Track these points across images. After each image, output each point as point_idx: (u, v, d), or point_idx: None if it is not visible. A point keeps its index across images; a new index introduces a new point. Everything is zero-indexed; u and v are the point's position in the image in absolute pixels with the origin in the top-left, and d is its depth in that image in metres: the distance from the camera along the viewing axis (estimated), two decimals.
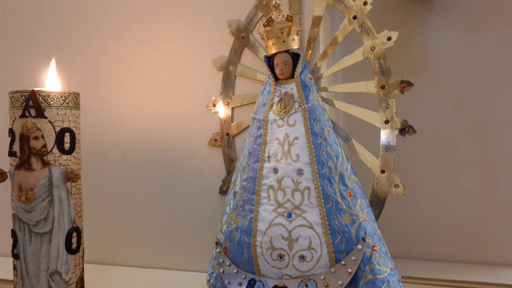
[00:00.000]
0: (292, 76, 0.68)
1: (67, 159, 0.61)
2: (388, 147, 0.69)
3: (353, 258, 0.60)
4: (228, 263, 0.67)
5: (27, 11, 0.97)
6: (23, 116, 0.59)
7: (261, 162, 0.66)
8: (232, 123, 0.82)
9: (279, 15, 0.67)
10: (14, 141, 0.60)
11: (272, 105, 0.68)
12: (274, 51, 0.68)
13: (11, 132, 0.61)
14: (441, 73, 0.87)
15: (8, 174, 0.62)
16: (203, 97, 0.84)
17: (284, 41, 0.67)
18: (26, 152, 0.59)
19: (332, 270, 0.60)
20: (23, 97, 0.59)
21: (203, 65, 0.84)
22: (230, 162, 0.82)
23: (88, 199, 0.75)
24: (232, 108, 0.82)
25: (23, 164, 0.59)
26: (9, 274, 0.68)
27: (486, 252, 0.84)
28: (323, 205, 0.61)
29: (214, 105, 0.83)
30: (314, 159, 0.63)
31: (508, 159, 0.83)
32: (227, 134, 0.82)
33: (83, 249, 0.65)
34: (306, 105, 0.65)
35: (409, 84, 0.68)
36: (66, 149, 0.61)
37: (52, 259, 0.60)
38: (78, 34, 0.93)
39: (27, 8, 0.97)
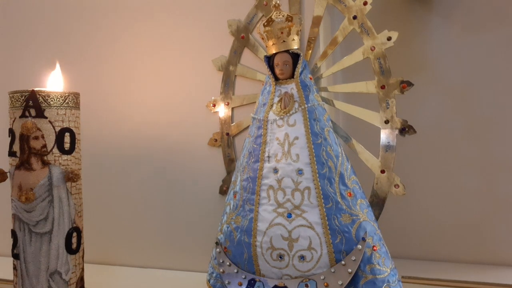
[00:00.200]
0: (292, 76, 0.68)
1: (67, 159, 0.61)
2: (388, 147, 0.69)
3: (353, 258, 0.60)
4: (228, 263, 0.67)
5: (27, 11, 0.97)
6: (23, 116, 0.59)
7: (261, 162, 0.66)
8: (232, 123, 0.82)
9: (279, 15, 0.67)
10: (14, 141, 0.60)
11: (272, 105, 0.68)
12: (274, 51, 0.68)
13: (11, 132, 0.61)
14: (441, 73, 0.87)
15: (8, 174, 0.62)
16: (203, 97, 0.84)
17: (284, 41, 0.67)
18: (26, 152, 0.59)
19: (332, 270, 0.60)
20: (23, 97, 0.59)
21: (203, 65, 0.84)
22: (230, 162, 0.82)
23: (88, 199, 0.75)
24: (232, 108, 0.82)
25: (23, 164, 0.59)
26: (9, 274, 0.68)
27: (486, 252, 0.84)
28: (323, 205, 0.61)
29: (214, 105, 0.83)
30: (314, 159, 0.63)
31: (508, 159, 0.83)
32: (227, 134, 0.82)
33: (83, 249, 0.65)
34: (306, 105, 0.65)
35: (409, 84, 0.68)
36: (66, 149, 0.61)
37: (52, 259, 0.60)
38: (78, 34, 0.93)
39: (27, 8, 0.97)
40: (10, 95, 0.61)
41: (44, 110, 0.59)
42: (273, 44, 0.68)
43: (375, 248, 0.61)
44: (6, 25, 0.98)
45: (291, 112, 0.66)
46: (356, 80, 0.72)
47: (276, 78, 0.69)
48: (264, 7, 0.79)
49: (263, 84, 0.72)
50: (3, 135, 0.71)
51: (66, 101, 0.61)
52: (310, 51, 0.75)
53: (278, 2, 0.67)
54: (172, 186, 0.87)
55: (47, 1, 0.95)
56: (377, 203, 0.70)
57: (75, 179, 0.61)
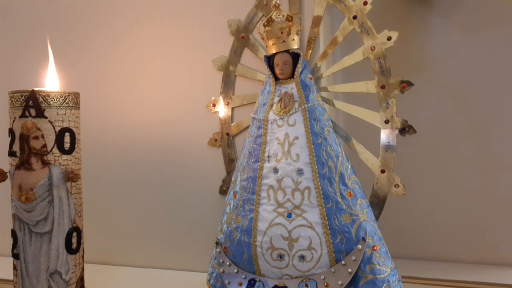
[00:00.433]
0: (292, 76, 0.68)
1: (67, 159, 0.61)
2: (388, 147, 0.69)
3: (353, 258, 0.60)
4: (228, 263, 0.67)
5: (28, 11, 0.97)
6: (23, 116, 0.59)
7: (261, 162, 0.66)
8: (232, 123, 0.82)
9: (279, 15, 0.67)
10: (14, 141, 0.60)
11: (272, 105, 0.68)
12: (274, 51, 0.68)
13: (11, 132, 0.61)
14: (441, 73, 0.87)
15: (8, 174, 0.62)
16: (203, 97, 0.84)
17: (284, 41, 0.67)
18: (26, 152, 0.59)
19: (332, 270, 0.60)
20: (23, 97, 0.59)
21: (203, 65, 0.84)
22: (230, 162, 0.82)
23: (88, 199, 0.75)
24: (232, 108, 0.82)
25: (23, 164, 0.59)
26: (9, 274, 0.68)
27: (486, 252, 0.84)
28: (323, 205, 0.61)
29: (214, 105, 0.83)
30: (314, 159, 0.63)
31: (508, 159, 0.83)
32: (227, 134, 0.82)
33: (83, 249, 0.65)
34: (306, 105, 0.65)
35: (409, 84, 0.68)
36: (66, 149, 0.61)
37: (52, 259, 0.60)
38: (78, 34, 0.93)
39: (27, 8, 0.97)
40: (10, 95, 0.61)
41: (44, 110, 0.59)
42: (273, 44, 0.68)
43: (375, 248, 0.61)
44: (6, 25, 0.98)
45: (291, 112, 0.66)
46: (356, 80, 0.72)
47: (276, 78, 0.69)
48: (264, 7, 0.79)
49: (263, 84, 0.72)
50: (3, 135, 0.71)
51: (66, 101, 0.61)
52: (310, 51, 0.75)
53: (278, 2, 0.67)
54: (172, 186, 0.87)
55: (47, 1, 0.95)
56: (377, 203, 0.70)
57: (75, 179, 0.61)
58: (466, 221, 0.85)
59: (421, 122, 0.74)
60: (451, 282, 0.75)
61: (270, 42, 0.68)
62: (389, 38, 0.69)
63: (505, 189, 0.83)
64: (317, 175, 0.62)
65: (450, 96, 0.86)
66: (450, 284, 0.75)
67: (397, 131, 0.69)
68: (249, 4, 0.80)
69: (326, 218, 0.61)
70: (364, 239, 0.60)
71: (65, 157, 0.61)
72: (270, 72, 0.69)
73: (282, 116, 0.66)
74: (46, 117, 0.59)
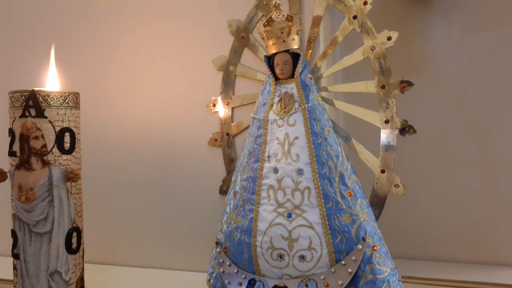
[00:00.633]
0: (292, 76, 0.68)
1: (67, 159, 0.61)
2: (388, 147, 0.69)
3: (353, 258, 0.60)
4: (228, 263, 0.67)
5: (28, 11, 0.97)
6: (23, 116, 0.59)
7: (261, 162, 0.66)
8: (232, 123, 0.82)
9: (279, 15, 0.67)
10: (14, 141, 0.60)
11: (272, 105, 0.68)
12: (274, 51, 0.68)
13: (11, 132, 0.61)
14: (441, 73, 0.87)
15: (8, 174, 0.62)
16: (203, 97, 0.84)
17: (284, 41, 0.67)
18: (26, 152, 0.59)
19: (332, 270, 0.60)
20: (23, 97, 0.59)
21: (203, 65, 0.84)
22: (230, 162, 0.82)
23: (88, 199, 0.75)
24: (232, 108, 0.82)
25: (23, 164, 0.59)
26: (9, 274, 0.68)
27: (486, 252, 0.84)
28: (323, 205, 0.61)
29: (214, 105, 0.83)
30: (314, 159, 0.63)
31: (508, 159, 0.83)
32: (227, 134, 0.82)
33: (83, 249, 0.65)
34: (306, 105, 0.65)
35: (409, 84, 0.68)
36: (66, 149, 0.61)
37: (52, 259, 0.60)
38: (78, 34, 0.93)
39: (27, 8, 0.97)
40: (10, 95, 0.61)
41: (44, 110, 0.59)
42: (273, 44, 0.68)
43: (375, 248, 0.61)
44: (6, 25, 0.98)
45: (291, 112, 0.66)
46: (356, 80, 0.72)
47: (276, 78, 0.69)
48: (264, 7, 0.79)
49: (263, 84, 0.72)
50: (3, 135, 0.71)
51: (66, 101, 0.61)
52: (310, 51, 0.75)
53: (278, 2, 0.67)
54: (172, 186, 0.87)
55: (47, 1, 0.95)
56: (377, 203, 0.70)
57: (75, 179, 0.61)
58: (466, 221, 0.85)
59: (421, 122, 0.73)
60: (451, 282, 0.75)
61: (270, 42, 0.68)
62: (389, 38, 0.69)
63: (505, 189, 0.83)
64: (317, 175, 0.62)
65: (450, 96, 0.86)
66: (450, 284, 0.75)
67: (397, 131, 0.69)
68: (249, 4, 0.80)
69: (326, 218, 0.61)
70: (364, 239, 0.60)
71: (65, 157, 0.61)
72: (270, 72, 0.69)
73: (282, 116, 0.66)
74: (46, 117, 0.59)
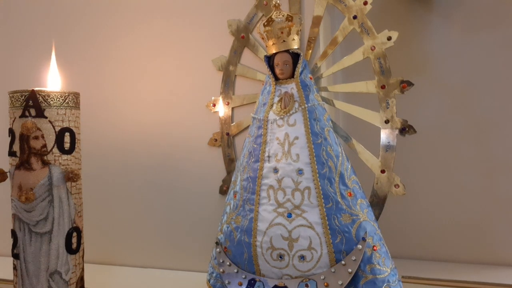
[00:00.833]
0: (292, 76, 0.68)
1: (67, 159, 0.61)
2: (388, 147, 0.69)
3: (353, 258, 0.60)
4: (228, 263, 0.67)
5: (28, 11, 0.97)
6: (23, 116, 0.59)
7: (261, 162, 0.66)
8: (232, 123, 0.82)
9: (279, 15, 0.67)
10: (14, 141, 0.60)
11: (272, 105, 0.68)
12: (274, 51, 0.68)
13: (11, 132, 0.61)
14: (441, 73, 0.87)
15: (8, 174, 0.62)
16: (203, 97, 0.84)
17: (284, 41, 0.67)
18: (26, 152, 0.59)
19: (332, 270, 0.60)
20: (23, 97, 0.59)
21: (203, 65, 0.84)
22: (230, 162, 0.82)
23: (88, 199, 0.75)
24: (232, 108, 0.82)
25: (23, 164, 0.59)
26: (9, 274, 0.68)
27: (486, 252, 0.84)
28: (323, 205, 0.61)
29: (214, 105, 0.83)
30: (314, 159, 0.63)
31: (508, 159, 0.83)
32: (227, 134, 0.82)
33: (83, 249, 0.65)
34: (306, 105, 0.65)
35: (409, 84, 0.68)
36: (66, 149, 0.61)
37: (52, 259, 0.60)
38: (79, 34, 0.93)
39: (27, 8, 0.97)
40: (10, 95, 0.61)
41: (44, 110, 0.59)
42: (273, 44, 0.68)
43: (375, 248, 0.61)
44: (6, 25, 0.98)
45: (291, 112, 0.66)
46: (356, 80, 0.72)
47: (276, 78, 0.69)
48: (264, 7, 0.79)
49: (263, 84, 0.72)
50: (3, 135, 0.71)
51: (66, 101, 0.61)
52: (310, 51, 0.75)
53: (278, 2, 0.67)
54: (172, 186, 0.87)
55: (48, 2, 0.95)
56: (377, 203, 0.70)
57: (75, 179, 0.61)
58: (466, 221, 0.85)
59: (421, 122, 0.74)
60: (451, 282, 0.75)
61: (270, 42, 0.68)
62: (389, 38, 0.69)
63: (505, 189, 0.83)
64: (317, 175, 0.62)
65: (450, 96, 0.86)
66: (450, 284, 0.75)
67: (397, 131, 0.69)
68: (249, 4, 0.80)
69: (326, 218, 0.61)
70: (364, 239, 0.60)
71: (65, 157, 0.61)
72: (270, 72, 0.69)
73: (282, 116, 0.66)
74: (46, 117, 0.59)
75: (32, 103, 0.59)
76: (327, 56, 0.74)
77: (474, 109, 0.85)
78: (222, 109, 0.83)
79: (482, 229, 0.84)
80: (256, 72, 0.80)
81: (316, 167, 0.63)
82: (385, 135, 0.70)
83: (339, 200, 0.62)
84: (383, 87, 0.69)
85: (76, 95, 0.63)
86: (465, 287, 0.74)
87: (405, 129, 0.68)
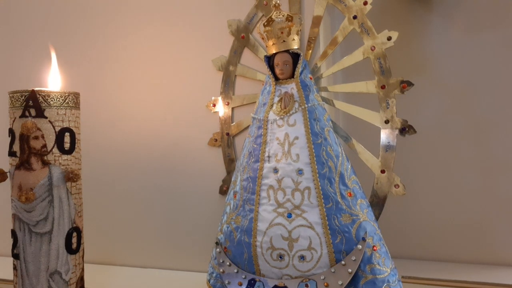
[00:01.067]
0: (292, 76, 0.68)
1: (67, 159, 0.61)
2: (388, 147, 0.69)
3: (353, 258, 0.60)
4: (228, 263, 0.67)
5: (28, 11, 0.97)
6: (23, 116, 0.59)
7: (261, 162, 0.66)
8: (232, 123, 0.82)
9: (279, 15, 0.67)
10: (14, 141, 0.60)
11: (272, 105, 0.68)
12: (274, 51, 0.68)
13: (11, 132, 0.61)
14: (441, 73, 0.87)
15: (8, 174, 0.62)
16: (203, 97, 0.84)
17: (284, 41, 0.67)
18: (26, 152, 0.59)
19: (332, 270, 0.60)
20: (23, 97, 0.59)
21: (203, 65, 0.84)
22: (230, 162, 0.82)
23: (88, 199, 0.75)
24: (232, 108, 0.82)
25: (23, 164, 0.59)
26: (9, 274, 0.68)
27: (486, 252, 0.84)
28: (323, 205, 0.61)
29: (214, 105, 0.83)
30: (314, 159, 0.63)
31: (508, 159, 0.83)
32: (227, 134, 0.82)
33: (83, 249, 0.65)
34: (306, 105, 0.65)
35: (409, 84, 0.68)
36: (66, 149, 0.61)
37: (52, 259, 0.60)
38: (79, 34, 0.93)
39: (27, 8, 0.97)
40: (10, 95, 0.61)
41: (44, 110, 0.59)
42: (273, 44, 0.68)
43: (375, 248, 0.61)
44: (6, 25, 0.98)
45: (291, 112, 0.66)
46: (356, 80, 0.72)
47: (276, 78, 0.69)
48: (264, 7, 0.79)
49: (263, 84, 0.72)
50: (3, 135, 0.71)
51: (66, 101, 0.61)
52: (310, 51, 0.75)
53: (278, 2, 0.67)
54: (172, 186, 0.87)
55: (48, 2, 0.95)
56: (377, 203, 0.70)
57: (75, 179, 0.61)
58: (466, 221, 0.85)
59: (421, 122, 0.74)
60: (451, 282, 0.75)
61: (270, 42, 0.68)
62: (389, 38, 0.69)
63: (505, 189, 0.83)
64: (317, 175, 0.62)
65: (450, 96, 0.86)
66: (450, 284, 0.75)
67: (397, 131, 0.69)
68: (249, 4, 0.80)
69: (326, 218, 0.61)
70: (364, 239, 0.60)
71: (65, 157, 0.61)
72: (270, 72, 0.69)
73: (282, 116, 0.66)
74: (46, 117, 0.59)
75: (32, 103, 0.59)
76: (327, 56, 0.74)
77: (474, 109, 0.85)
78: (222, 109, 0.83)
79: (482, 229, 0.84)
80: (256, 72, 0.80)
81: (316, 167, 0.63)
82: (385, 135, 0.70)
83: (339, 200, 0.62)
84: (383, 87, 0.69)
85: (76, 95, 0.63)
86: (465, 287, 0.74)
87: (405, 129, 0.68)
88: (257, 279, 0.64)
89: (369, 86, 0.70)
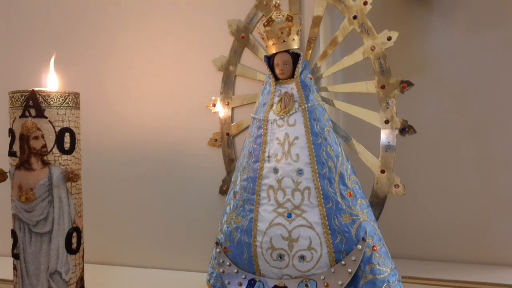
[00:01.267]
0: (292, 76, 0.68)
1: (67, 159, 0.61)
2: (388, 147, 0.69)
3: (353, 258, 0.60)
4: (228, 263, 0.67)
5: (28, 11, 0.97)
6: (23, 116, 0.59)
7: (261, 162, 0.66)
8: (232, 123, 0.82)
9: (279, 15, 0.67)
10: (14, 141, 0.60)
11: (272, 105, 0.68)
12: (274, 51, 0.68)
13: (11, 132, 0.61)
14: (441, 73, 0.87)
15: (8, 174, 0.62)
16: (203, 97, 0.84)
17: (284, 41, 0.67)
18: (26, 152, 0.59)
19: (332, 270, 0.60)
20: (23, 97, 0.59)
21: (203, 65, 0.84)
22: (230, 162, 0.82)
23: (88, 199, 0.75)
24: (232, 108, 0.82)
25: (23, 164, 0.59)
26: (9, 274, 0.68)
27: (486, 252, 0.84)
28: (323, 205, 0.61)
29: (214, 105, 0.83)
30: (314, 159, 0.63)
31: (508, 159, 0.83)
32: (227, 134, 0.82)
33: (83, 249, 0.65)
34: (306, 105, 0.65)
35: (409, 84, 0.68)
36: (66, 149, 0.61)
37: (52, 259, 0.60)
38: (78, 34, 0.93)
39: (27, 9, 0.97)
40: (10, 95, 0.61)
41: (44, 110, 0.59)
42: (273, 44, 0.68)
43: (375, 248, 0.61)
44: (6, 25, 0.98)
45: (291, 112, 0.66)
46: (356, 80, 0.72)
47: (276, 78, 0.69)
48: (264, 7, 0.79)
49: (263, 84, 0.72)
50: (3, 135, 0.71)
51: (66, 101, 0.61)
52: (310, 51, 0.75)
53: (278, 2, 0.67)
54: (172, 186, 0.87)
55: (47, 1, 0.95)
56: (377, 203, 0.70)
57: (75, 179, 0.61)
58: (466, 221, 0.85)
59: (421, 122, 0.74)
60: (451, 282, 0.75)
61: (270, 42, 0.68)
62: (389, 38, 0.69)
63: (505, 189, 0.83)
64: (317, 175, 0.62)
65: (450, 96, 0.86)
66: (450, 284, 0.75)
67: (397, 131, 0.69)
68: (249, 4, 0.80)
69: (326, 218, 0.61)
70: (364, 239, 0.60)
71: (65, 157, 0.61)
72: (270, 72, 0.69)
73: (282, 116, 0.66)
74: (46, 117, 0.59)
75: (32, 103, 0.59)
76: (327, 56, 0.74)
77: (474, 109, 0.85)
78: (222, 109, 0.83)
79: (482, 229, 0.84)
80: (256, 72, 0.80)
81: (316, 167, 0.63)
82: (385, 135, 0.70)
83: (339, 200, 0.62)
84: (383, 87, 0.69)
85: (76, 95, 0.63)
86: (465, 287, 0.74)
87: (405, 129, 0.68)
88: (257, 279, 0.64)
89: (369, 86, 0.70)
